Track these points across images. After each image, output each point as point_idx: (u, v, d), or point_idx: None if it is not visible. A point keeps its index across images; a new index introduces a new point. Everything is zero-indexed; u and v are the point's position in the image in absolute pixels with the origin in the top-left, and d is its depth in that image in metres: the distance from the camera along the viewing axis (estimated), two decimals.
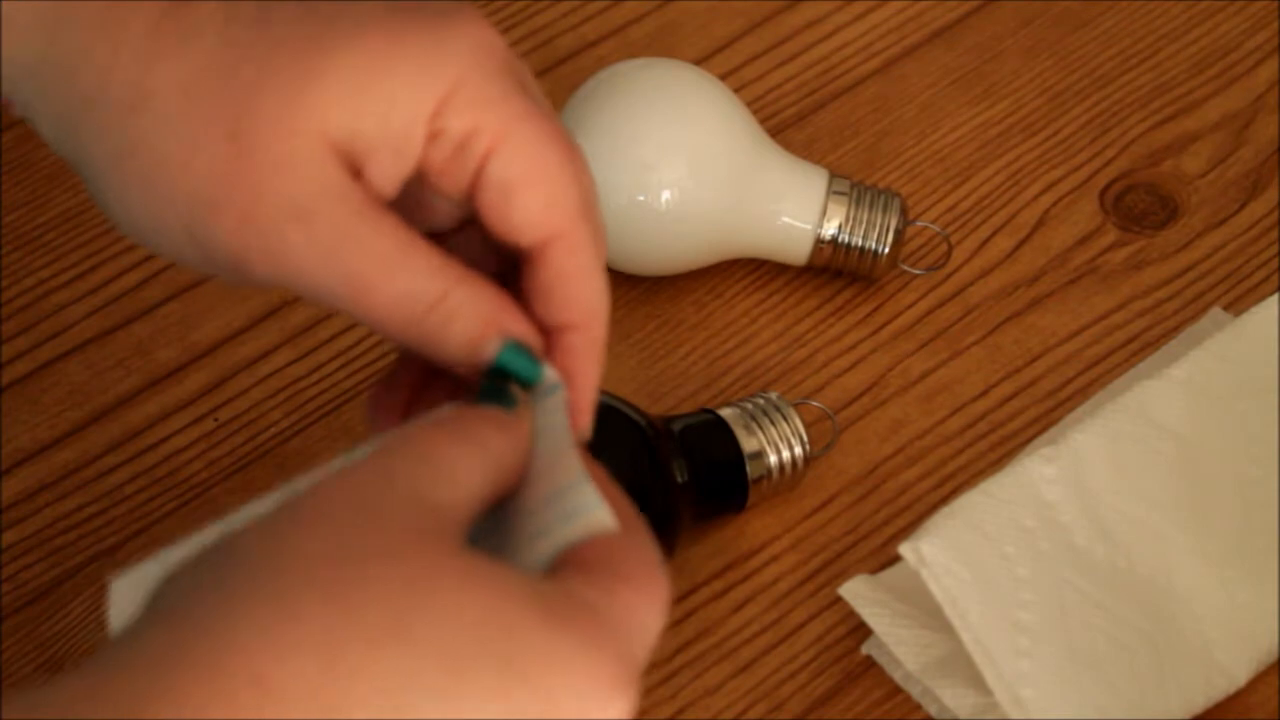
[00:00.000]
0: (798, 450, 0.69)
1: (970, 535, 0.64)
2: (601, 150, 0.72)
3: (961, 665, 0.64)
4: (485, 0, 0.84)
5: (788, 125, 0.81)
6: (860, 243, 0.74)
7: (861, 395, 0.73)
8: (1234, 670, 0.65)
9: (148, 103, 0.48)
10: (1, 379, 0.72)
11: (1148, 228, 0.78)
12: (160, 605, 0.42)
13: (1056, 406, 0.73)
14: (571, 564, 0.45)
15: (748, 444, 0.68)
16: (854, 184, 0.74)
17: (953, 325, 0.75)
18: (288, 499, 0.44)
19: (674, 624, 0.67)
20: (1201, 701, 0.64)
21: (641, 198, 0.72)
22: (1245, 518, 0.67)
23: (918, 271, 0.76)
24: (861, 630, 0.67)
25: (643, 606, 0.45)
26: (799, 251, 0.74)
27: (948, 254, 0.77)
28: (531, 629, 0.43)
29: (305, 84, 0.47)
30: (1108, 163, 0.80)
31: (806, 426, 0.69)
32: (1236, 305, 0.75)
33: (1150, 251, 0.77)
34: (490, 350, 0.49)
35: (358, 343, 0.74)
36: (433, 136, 0.49)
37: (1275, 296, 0.71)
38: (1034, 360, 0.74)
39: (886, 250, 0.74)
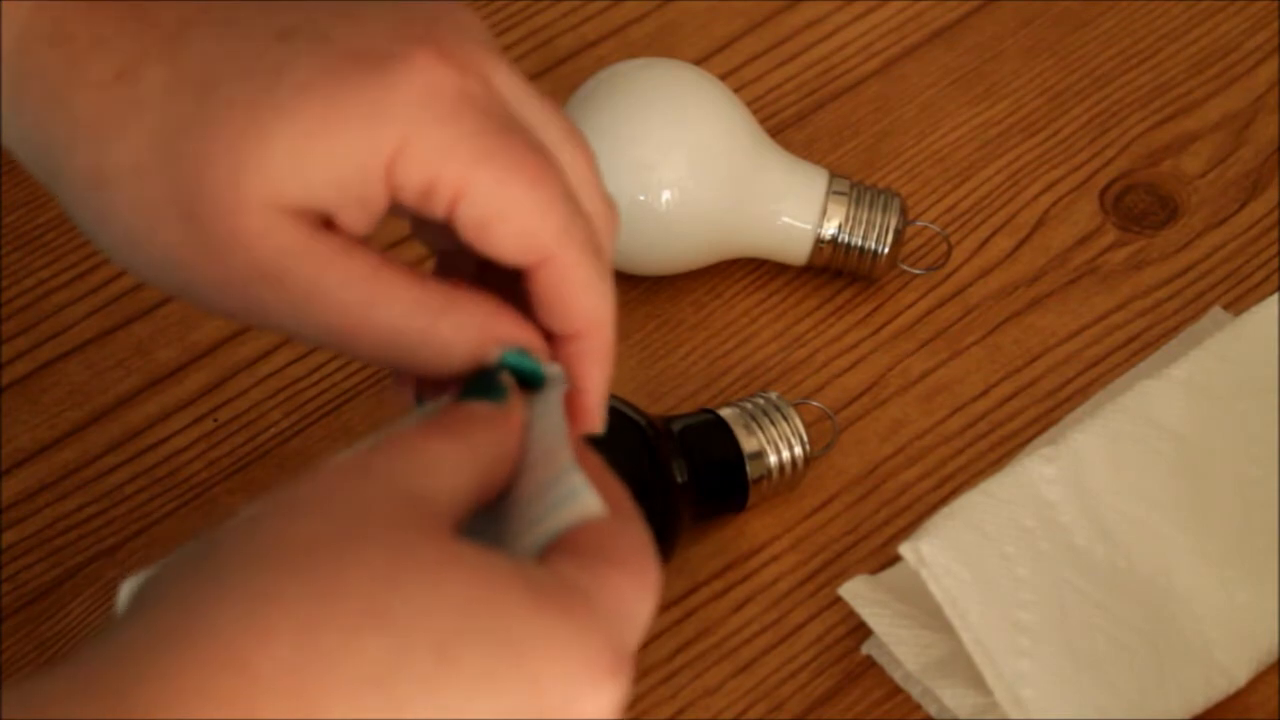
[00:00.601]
0: (798, 450, 0.69)
1: (970, 535, 0.64)
2: (601, 150, 0.71)
3: (961, 665, 0.64)
4: (485, 0, 0.84)
5: (788, 125, 0.81)
6: (860, 243, 0.74)
7: (861, 395, 0.73)
8: (1234, 670, 0.65)
9: (107, 185, 0.48)
10: (1, 379, 0.72)
11: (1148, 228, 0.78)
12: (144, 598, 0.43)
13: (1056, 406, 0.73)
14: (562, 549, 0.45)
15: (748, 444, 0.68)
16: (854, 184, 0.74)
17: (952, 325, 0.75)
18: (271, 493, 0.44)
19: (674, 624, 0.67)
20: (1201, 701, 0.64)
21: (641, 198, 0.72)
22: (1245, 518, 0.67)
23: (917, 271, 0.76)
24: (861, 630, 0.67)
25: (633, 591, 0.45)
26: (799, 251, 0.74)
27: (947, 254, 0.77)
28: (520, 611, 0.42)
29: (247, 156, 0.47)
30: (1108, 163, 0.80)
31: (806, 426, 0.69)
32: (1236, 305, 0.75)
33: (1150, 251, 0.77)
34: (491, 360, 0.49)
35: None
36: (394, 190, 0.48)
37: (1275, 296, 0.71)
38: (1034, 360, 0.74)
39: (886, 250, 0.74)
